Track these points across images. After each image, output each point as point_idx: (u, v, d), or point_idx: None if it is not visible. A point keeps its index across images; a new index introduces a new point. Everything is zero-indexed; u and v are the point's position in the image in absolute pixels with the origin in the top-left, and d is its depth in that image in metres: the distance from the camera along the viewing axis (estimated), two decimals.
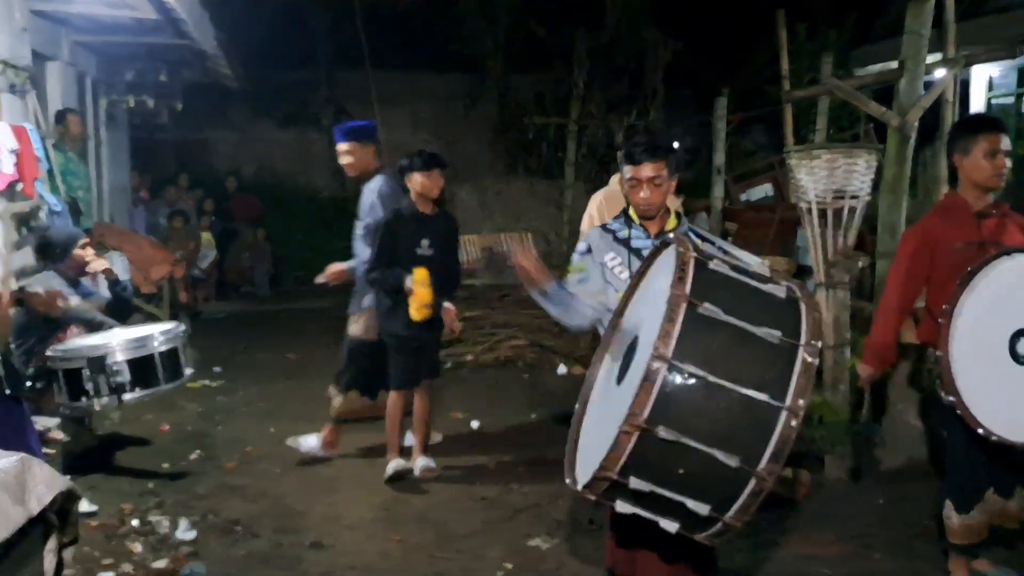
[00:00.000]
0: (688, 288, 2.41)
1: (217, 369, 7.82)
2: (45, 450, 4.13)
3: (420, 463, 5.04)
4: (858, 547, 4.04)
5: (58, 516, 2.20)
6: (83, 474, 4.89)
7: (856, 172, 4.50)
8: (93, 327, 4.88)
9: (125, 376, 4.24)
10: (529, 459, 5.32)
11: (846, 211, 4.55)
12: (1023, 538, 3.76)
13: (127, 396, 4.30)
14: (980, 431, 3.06)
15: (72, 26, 8.07)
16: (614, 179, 5.43)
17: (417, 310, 4.62)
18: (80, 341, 4.49)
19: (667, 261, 2.75)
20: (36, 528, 2.15)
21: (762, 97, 10.67)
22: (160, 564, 3.86)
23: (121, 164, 10.56)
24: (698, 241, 3.25)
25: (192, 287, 10.58)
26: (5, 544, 1.93)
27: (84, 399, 4.25)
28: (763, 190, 10.28)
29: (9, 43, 6.53)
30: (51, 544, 2.17)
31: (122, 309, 5.33)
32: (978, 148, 3.42)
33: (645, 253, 3.04)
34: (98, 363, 4.19)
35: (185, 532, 4.17)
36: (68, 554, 2.29)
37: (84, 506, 4.39)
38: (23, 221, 6.61)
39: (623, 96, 13.21)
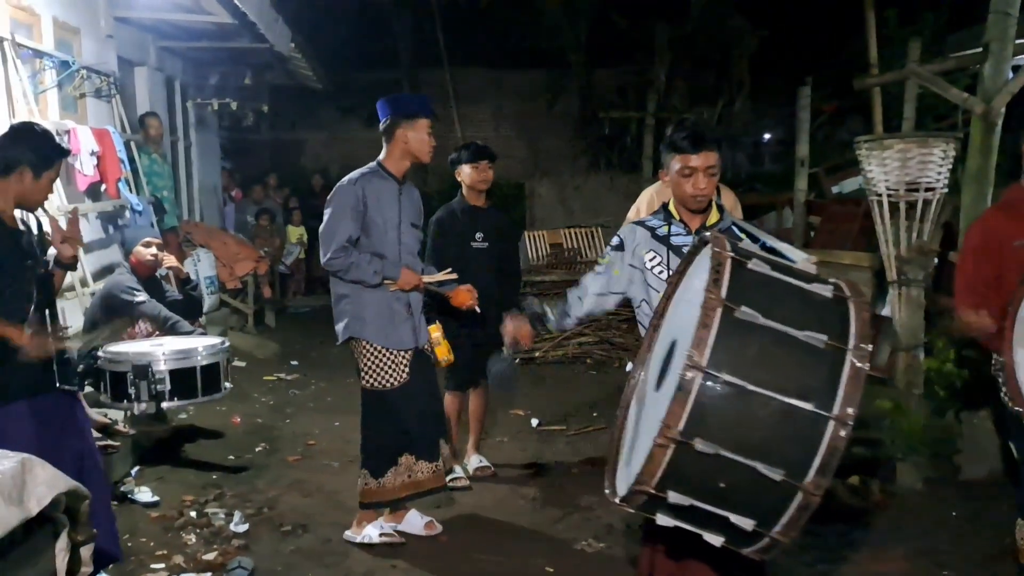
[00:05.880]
0: (724, 291, 2.25)
1: (294, 363, 8.02)
2: (110, 442, 4.26)
3: (473, 461, 5.01)
4: (929, 565, 3.79)
5: (68, 515, 2.24)
6: (152, 465, 5.09)
7: (931, 163, 4.21)
8: (160, 323, 5.04)
9: (166, 385, 4.43)
10: (585, 459, 5.24)
11: (920, 204, 4.26)
12: None
13: (165, 404, 4.53)
14: None
15: (158, 32, 8.40)
16: None
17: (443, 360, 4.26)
18: (131, 345, 4.69)
19: (706, 260, 2.60)
20: (44, 528, 2.19)
21: None
22: (209, 557, 3.93)
23: (211, 164, 10.91)
24: (744, 236, 3.09)
25: (279, 282, 10.86)
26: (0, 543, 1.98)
27: (125, 401, 4.46)
28: (856, 182, 9.76)
29: (95, 50, 6.83)
30: (62, 543, 2.21)
31: (191, 307, 5.48)
32: None
33: (685, 251, 2.90)
34: (143, 370, 4.40)
35: (238, 525, 4.25)
36: (86, 552, 2.33)
37: (147, 497, 4.57)
38: (109, 220, 6.92)
39: (709, 87, 12.90)
